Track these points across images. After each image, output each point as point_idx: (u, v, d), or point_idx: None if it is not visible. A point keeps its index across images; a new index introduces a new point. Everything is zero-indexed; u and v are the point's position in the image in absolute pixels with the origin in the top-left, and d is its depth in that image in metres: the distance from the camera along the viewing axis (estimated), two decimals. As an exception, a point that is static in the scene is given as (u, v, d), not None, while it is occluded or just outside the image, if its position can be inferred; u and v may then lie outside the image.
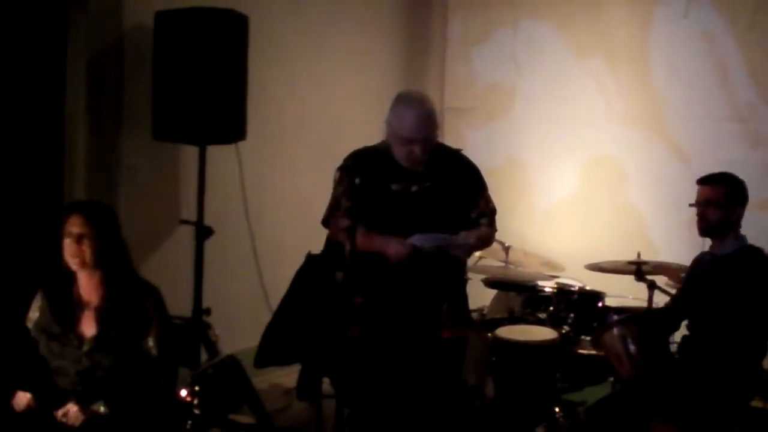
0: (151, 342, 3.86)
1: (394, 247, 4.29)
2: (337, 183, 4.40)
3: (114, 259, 3.89)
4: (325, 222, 4.48)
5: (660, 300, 5.31)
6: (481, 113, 7.60)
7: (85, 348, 3.83)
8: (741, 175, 4.74)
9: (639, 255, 5.50)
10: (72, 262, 3.84)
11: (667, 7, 6.88)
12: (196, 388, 3.75)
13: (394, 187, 4.35)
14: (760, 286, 4.54)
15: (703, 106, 6.76)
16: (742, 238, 4.72)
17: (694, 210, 4.77)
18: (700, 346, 4.61)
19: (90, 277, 3.88)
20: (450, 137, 6.88)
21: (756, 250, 4.69)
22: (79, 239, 3.81)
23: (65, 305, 3.90)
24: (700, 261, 4.89)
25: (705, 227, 4.70)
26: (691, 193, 4.83)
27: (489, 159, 6.53)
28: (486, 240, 4.60)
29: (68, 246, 3.84)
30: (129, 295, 3.89)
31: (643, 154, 6.94)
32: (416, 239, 4.28)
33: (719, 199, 4.65)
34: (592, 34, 7.13)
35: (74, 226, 3.83)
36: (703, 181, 4.75)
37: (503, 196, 6.28)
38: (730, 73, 6.64)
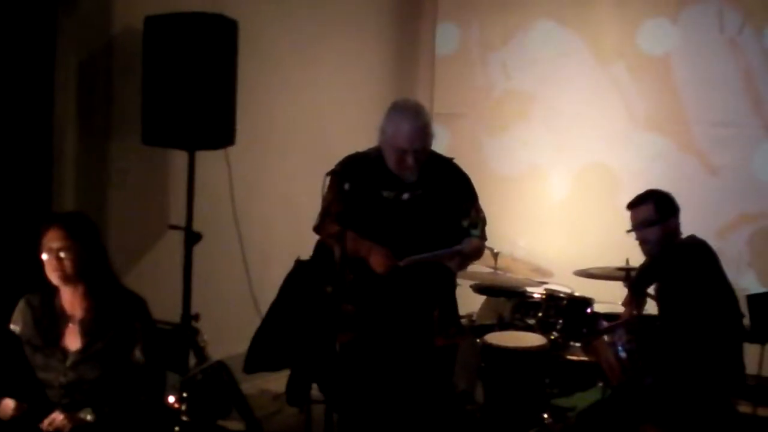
0: (138, 353, 3.82)
1: (376, 259, 4.26)
2: (328, 189, 4.38)
3: (96, 271, 3.81)
4: (317, 228, 4.46)
5: (649, 306, 5.31)
6: (470, 119, 7.60)
7: (70, 362, 3.76)
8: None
9: (627, 261, 5.51)
10: (53, 277, 3.76)
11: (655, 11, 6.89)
12: (185, 394, 3.73)
13: (385, 194, 4.33)
14: (693, 270, 4.58)
15: (694, 113, 6.76)
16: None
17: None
18: (684, 351, 4.62)
19: (73, 290, 3.80)
20: (439, 143, 6.88)
21: (686, 240, 4.72)
22: (59, 253, 3.74)
23: (48, 318, 3.83)
24: None
25: (648, 249, 4.77)
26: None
27: (478, 165, 6.53)
28: (477, 252, 4.59)
29: (48, 261, 3.75)
30: (114, 307, 3.83)
31: (632, 160, 6.95)
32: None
33: (651, 217, 4.71)
34: (583, 37, 7.14)
35: (53, 240, 3.74)
36: (631, 206, 4.84)
37: (492, 202, 6.30)
38: (728, 82, 6.64)
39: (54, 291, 3.84)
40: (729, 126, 6.61)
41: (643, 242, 4.77)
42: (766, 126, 6.52)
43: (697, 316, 4.49)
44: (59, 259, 3.74)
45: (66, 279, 3.77)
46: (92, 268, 3.80)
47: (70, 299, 3.83)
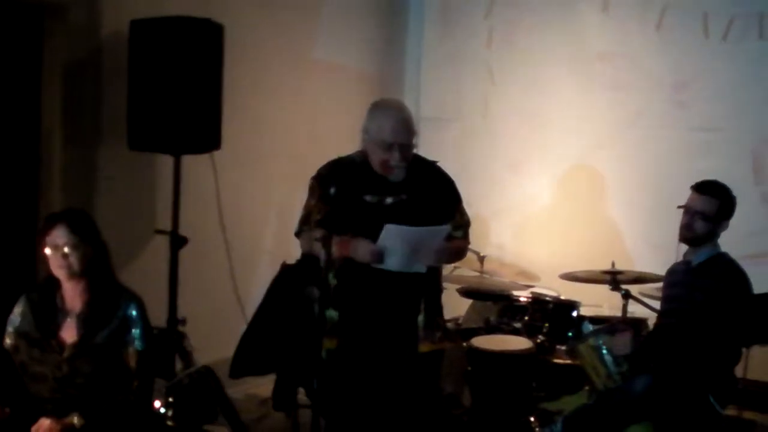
0: (131, 352, 3.86)
1: (361, 249, 4.25)
2: (310, 194, 4.38)
3: (99, 268, 3.89)
4: (298, 234, 4.46)
5: (635, 309, 5.34)
6: (457, 123, 7.61)
7: (66, 354, 3.82)
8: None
9: (613, 264, 5.52)
10: (59, 273, 3.86)
11: (642, 18, 6.91)
12: (171, 398, 3.74)
13: (368, 198, 4.33)
14: (730, 294, 4.57)
15: (677, 118, 6.78)
16: (717, 245, 4.76)
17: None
18: (675, 354, 4.63)
19: (75, 285, 3.89)
20: (425, 147, 6.89)
21: (728, 259, 4.72)
22: (65, 250, 3.80)
23: (48, 311, 3.90)
24: (674, 271, 4.92)
25: (689, 236, 4.72)
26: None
27: (463, 168, 6.53)
28: (460, 252, 4.59)
29: (54, 258, 3.83)
30: (112, 302, 3.90)
31: (618, 163, 6.96)
32: (390, 237, 4.21)
33: (711, 213, 4.66)
34: (567, 42, 7.15)
35: (59, 237, 3.83)
36: (699, 190, 4.74)
37: (478, 206, 6.33)
38: (711, 87, 6.67)
39: (56, 285, 3.92)
40: (714, 131, 6.62)
41: (688, 227, 4.72)
42: (750, 131, 6.53)
43: (721, 325, 4.49)
44: (65, 256, 3.81)
45: (72, 275, 3.85)
46: (96, 265, 3.87)
47: (71, 294, 3.91)
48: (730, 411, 4.97)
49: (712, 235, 4.71)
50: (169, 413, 3.71)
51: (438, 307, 4.55)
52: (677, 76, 6.79)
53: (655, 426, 4.43)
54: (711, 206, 4.66)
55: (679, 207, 4.75)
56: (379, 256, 4.19)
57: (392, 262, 4.20)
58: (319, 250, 4.12)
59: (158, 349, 4.14)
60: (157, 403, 3.75)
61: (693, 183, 4.82)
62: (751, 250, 4.82)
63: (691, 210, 4.70)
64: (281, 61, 6.53)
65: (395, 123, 4.26)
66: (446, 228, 4.27)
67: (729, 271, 4.66)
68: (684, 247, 4.86)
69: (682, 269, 4.82)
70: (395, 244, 4.18)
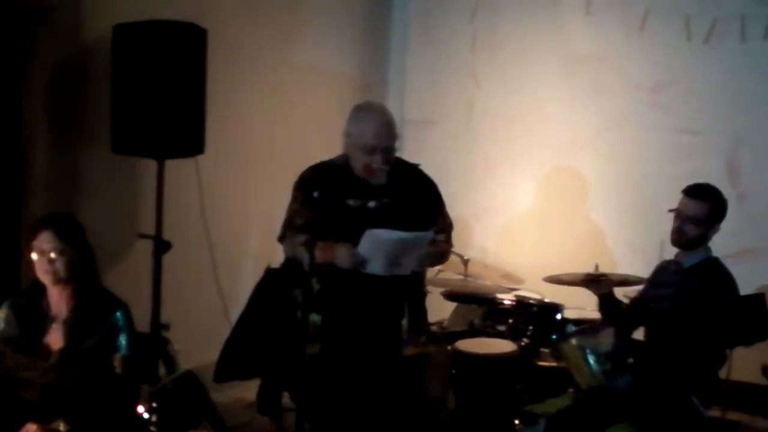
0: (118, 358, 3.85)
1: (339, 253, 4.25)
2: (293, 199, 4.38)
3: (85, 273, 3.89)
4: (281, 239, 4.46)
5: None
6: (441, 126, 7.62)
7: (53, 360, 3.82)
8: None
9: (597, 267, 5.53)
10: (45, 278, 3.86)
11: (624, 21, 6.93)
12: (155, 404, 3.72)
13: (350, 202, 4.33)
14: (719, 298, 4.59)
15: (660, 120, 6.81)
16: (709, 249, 4.77)
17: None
18: (659, 355, 4.64)
19: (61, 290, 3.89)
20: (409, 150, 6.90)
21: (718, 264, 4.74)
22: (51, 255, 3.79)
23: (33, 317, 3.90)
24: (664, 269, 4.93)
25: (681, 241, 4.73)
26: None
27: (448, 172, 6.54)
28: (443, 255, 4.60)
29: (40, 263, 3.83)
30: (98, 308, 3.90)
31: (602, 166, 6.97)
32: (372, 243, 4.21)
33: (702, 217, 4.67)
34: (551, 45, 7.17)
35: (46, 242, 3.83)
36: (690, 194, 4.74)
37: (463, 208, 6.34)
38: (692, 89, 6.69)
39: (41, 290, 3.92)
40: (697, 133, 6.65)
41: (679, 232, 4.72)
42: (732, 134, 6.56)
43: (709, 328, 4.51)
44: (51, 261, 3.82)
45: (58, 280, 3.85)
46: (82, 270, 3.88)
47: (57, 299, 3.92)
48: (714, 412, 4.98)
49: (703, 239, 4.72)
50: (153, 419, 3.69)
51: (422, 311, 4.56)
52: (660, 78, 6.81)
53: (637, 426, 4.44)
54: (702, 210, 4.67)
55: (670, 211, 4.76)
56: (361, 262, 4.19)
57: (374, 267, 4.20)
58: (302, 255, 4.12)
59: (143, 355, 4.14)
60: (140, 409, 3.73)
61: (676, 185, 4.82)
62: (728, 251, 4.84)
63: (682, 214, 4.71)
64: (265, 65, 6.52)
65: (377, 127, 4.27)
66: (429, 234, 4.27)
67: (719, 276, 4.67)
68: (666, 250, 4.87)
69: (672, 270, 4.83)
70: (377, 250, 4.18)
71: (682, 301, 4.59)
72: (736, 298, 4.71)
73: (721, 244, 4.78)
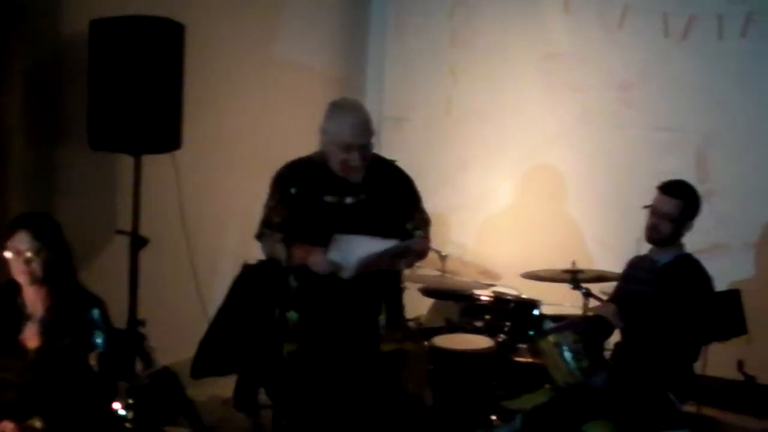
0: (94, 355, 3.83)
1: (314, 259, 4.26)
2: (270, 196, 4.38)
3: (62, 273, 3.87)
4: (259, 236, 4.46)
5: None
6: (419, 123, 7.62)
7: (29, 360, 3.80)
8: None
9: (574, 263, 5.56)
10: (21, 279, 3.84)
11: (603, 18, 6.95)
12: (131, 400, 3.71)
13: (327, 199, 4.33)
14: (695, 294, 4.62)
15: (638, 117, 6.83)
16: (682, 245, 4.80)
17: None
18: (635, 351, 4.66)
19: (37, 290, 3.87)
20: (388, 146, 6.90)
21: (693, 260, 4.77)
22: (27, 255, 3.78)
23: (9, 316, 3.88)
24: (636, 265, 4.95)
25: (655, 237, 4.76)
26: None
27: (426, 168, 6.55)
28: (422, 254, 4.61)
29: (15, 262, 3.81)
30: (74, 307, 3.87)
31: (580, 163, 7.00)
32: (346, 250, 4.22)
33: (676, 214, 4.70)
34: (530, 42, 7.18)
35: (22, 242, 3.81)
36: (664, 191, 4.77)
37: (441, 204, 6.34)
38: (675, 84, 6.72)
39: (16, 289, 3.90)
40: (674, 130, 6.68)
41: (654, 229, 4.75)
42: (707, 131, 6.59)
43: (684, 324, 4.53)
44: (27, 261, 3.81)
45: (34, 281, 3.84)
46: (58, 270, 3.87)
47: (33, 298, 3.90)
48: (690, 407, 5.01)
49: (677, 236, 4.76)
50: (129, 415, 3.68)
51: (399, 307, 4.57)
52: (637, 75, 6.83)
53: (614, 422, 4.46)
54: (676, 208, 4.70)
55: (645, 207, 4.79)
56: (334, 269, 4.20)
57: (348, 273, 4.20)
58: (280, 254, 4.13)
59: (120, 351, 4.12)
60: (117, 405, 3.72)
61: (653, 182, 4.85)
62: (698, 246, 4.89)
63: (657, 211, 4.74)
64: (242, 60, 6.51)
65: (354, 124, 4.27)
66: (406, 243, 4.29)
67: (694, 273, 4.70)
68: (643, 246, 4.90)
69: (646, 267, 4.86)
70: (350, 257, 4.19)
71: (657, 299, 4.62)
72: (711, 295, 4.74)
73: (690, 239, 4.82)
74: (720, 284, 4.75)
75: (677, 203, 4.70)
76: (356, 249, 4.17)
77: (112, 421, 3.74)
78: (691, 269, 4.71)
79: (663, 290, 4.64)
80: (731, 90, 6.51)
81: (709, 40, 6.56)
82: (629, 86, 6.85)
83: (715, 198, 6.25)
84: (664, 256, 4.79)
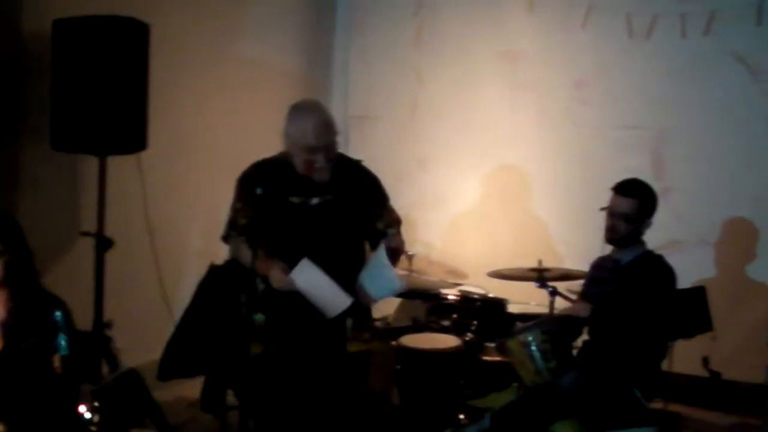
0: (57, 358, 3.80)
1: (275, 278, 4.26)
2: (236, 197, 4.37)
3: (23, 275, 3.83)
4: (225, 238, 4.44)
5: (562, 306, 5.39)
6: (385, 122, 7.62)
7: None
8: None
9: (540, 262, 5.57)
10: None
11: (567, 18, 6.97)
12: (96, 403, 3.69)
13: (293, 199, 4.33)
14: (660, 291, 4.64)
15: (604, 116, 6.86)
16: (643, 243, 4.83)
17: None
18: (602, 350, 4.69)
19: None
20: (353, 146, 6.90)
21: (656, 257, 4.79)
22: None
23: None
24: (600, 266, 4.98)
25: (614, 238, 4.78)
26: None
27: (393, 168, 6.55)
28: (399, 251, 4.62)
29: None
30: (36, 309, 3.83)
31: (546, 162, 7.02)
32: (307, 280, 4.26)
33: (633, 213, 4.72)
34: (494, 41, 7.20)
35: None
36: (619, 191, 4.79)
37: (407, 204, 6.35)
38: (632, 83, 6.76)
39: None
40: (638, 128, 6.71)
41: (612, 230, 4.77)
42: (670, 128, 6.64)
43: (650, 321, 4.55)
44: None
45: None
46: (20, 272, 3.81)
47: None
48: (656, 404, 5.04)
49: (636, 235, 4.78)
50: (95, 418, 3.65)
51: (367, 308, 4.56)
52: (601, 75, 6.86)
53: (581, 421, 4.48)
54: (632, 207, 4.73)
55: (602, 209, 4.81)
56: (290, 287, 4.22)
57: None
58: (244, 258, 4.13)
59: (84, 354, 4.09)
60: (82, 408, 3.69)
61: (615, 179, 4.88)
62: (655, 243, 4.93)
63: (614, 212, 4.76)
64: (208, 60, 6.48)
65: (317, 126, 4.28)
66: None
67: (657, 269, 4.73)
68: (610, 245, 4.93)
69: (609, 267, 4.88)
70: (310, 288, 4.23)
71: (622, 298, 4.64)
72: (676, 292, 4.77)
73: (647, 236, 4.86)
74: (678, 281, 4.78)
75: (633, 203, 4.73)
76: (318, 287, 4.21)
77: (77, 424, 3.72)
78: (655, 266, 4.74)
79: (627, 288, 4.67)
80: (691, 88, 6.55)
81: (673, 39, 6.59)
82: (590, 85, 6.87)
83: (671, 195, 6.31)
84: (627, 255, 4.82)
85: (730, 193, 6.45)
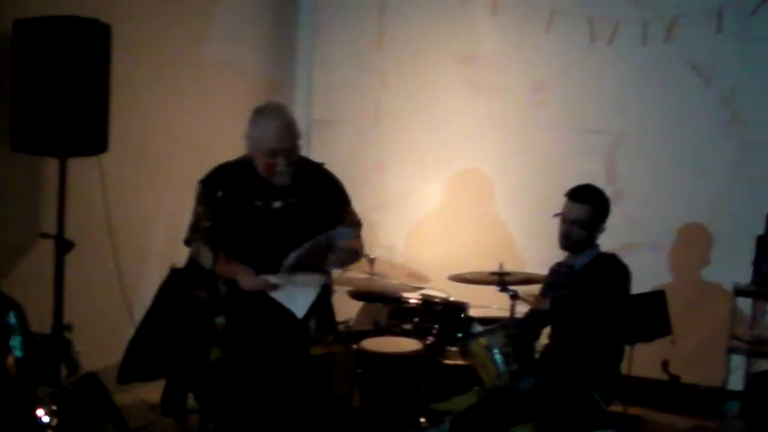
0: (11, 360, 3.77)
1: (245, 278, 4.26)
2: (198, 200, 4.36)
3: None
4: (188, 242, 4.43)
5: (523, 310, 5.41)
6: (348, 125, 7.61)
7: None
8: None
9: (501, 266, 5.60)
10: None
11: (530, 22, 7.00)
12: (55, 407, 3.67)
13: (255, 203, 4.32)
14: (615, 290, 4.68)
15: (565, 120, 6.90)
16: (597, 246, 4.87)
17: (557, 222, 4.88)
18: (562, 354, 4.71)
19: None
20: (317, 149, 6.89)
21: (610, 257, 4.83)
22: None
23: None
24: (556, 272, 5.02)
25: (569, 244, 4.82)
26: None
27: (355, 171, 6.54)
28: (358, 252, 4.61)
29: None
30: None
31: (508, 166, 7.04)
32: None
33: (586, 219, 4.76)
34: (457, 44, 7.21)
35: None
36: (572, 197, 4.83)
37: (369, 207, 6.34)
38: (593, 88, 6.80)
39: None
40: (599, 132, 6.75)
41: (566, 236, 4.81)
42: (624, 134, 6.70)
43: (607, 324, 4.58)
44: None
45: None
46: None
47: None
48: (616, 407, 5.07)
49: (590, 240, 4.83)
50: (53, 422, 3.63)
51: (330, 310, 4.56)
52: (564, 79, 6.89)
53: (541, 425, 4.50)
54: (585, 213, 4.78)
55: (555, 215, 4.86)
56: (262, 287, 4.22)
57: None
58: (205, 261, 4.12)
59: (40, 357, 4.06)
60: (40, 412, 3.66)
61: (575, 183, 4.92)
62: (609, 246, 4.98)
63: (567, 218, 4.81)
64: (171, 61, 6.44)
65: (279, 129, 4.27)
66: (333, 233, 4.31)
67: (612, 269, 4.77)
68: (568, 250, 4.96)
69: (565, 272, 4.92)
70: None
71: (579, 302, 4.68)
72: (635, 295, 4.82)
73: (600, 239, 4.90)
74: (633, 283, 4.83)
75: (586, 208, 4.78)
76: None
77: (34, 428, 3.69)
78: (609, 265, 4.79)
79: (583, 293, 4.70)
80: (649, 94, 6.62)
81: (634, 45, 6.64)
82: (551, 89, 6.90)
83: (625, 199, 6.37)
84: (581, 259, 4.86)
85: (684, 198, 6.52)
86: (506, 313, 5.41)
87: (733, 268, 6.11)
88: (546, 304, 4.83)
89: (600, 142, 6.74)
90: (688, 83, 6.50)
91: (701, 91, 6.48)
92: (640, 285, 4.87)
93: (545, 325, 4.97)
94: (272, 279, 4.23)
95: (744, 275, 5.93)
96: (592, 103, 6.79)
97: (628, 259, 4.88)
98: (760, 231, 5.89)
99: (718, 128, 6.44)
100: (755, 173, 6.34)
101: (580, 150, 6.77)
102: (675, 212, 6.55)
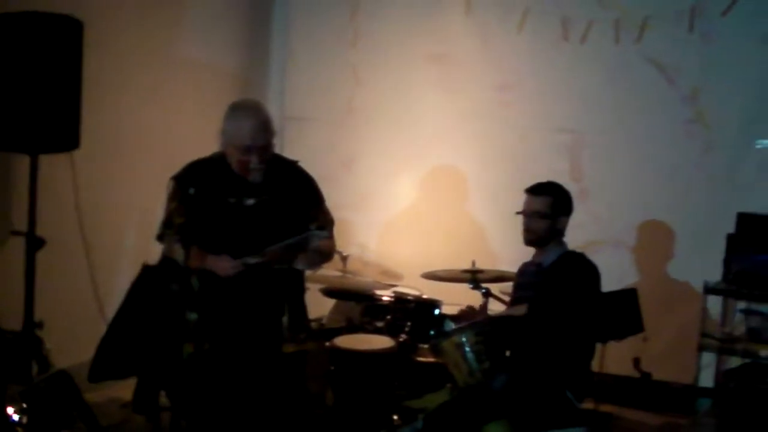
0: None
1: (222, 265, 4.25)
2: (171, 197, 4.34)
3: None
4: (160, 237, 4.42)
5: (495, 307, 5.44)
6: (321, 122, 7.61)
7: None
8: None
9: (474, 263, 5.61)
10: None
11: (503, 21, 7.02)
12: (25, 405, 3.64)
13: (228, 200, 4.32)
14: (583, 288, 4.71)
15: (537, 119, 6.92)
16: (564, 244, 4.90)
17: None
18: (533, 351, 4.73)
19: None
20: (290, 147, 6.88)
21: (578, 255, 4.87)
22: None
23: None
24: (524, 272, 5.05)
25: (530, 238, 4.88)
26: (522, 201, 4.98)
27: (328, 169, 6.56)
28: (328, 252, 4.61)
29: None
30: None
31: (481, 164, 7.06)
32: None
33: (546, 210, 4.82)
34: (431, 43, 7.22)
35: None
36: (531, 191, 4.91)
37: (342, 205, 6.35)
38: (564, 87, 6.83)
39: None
40: (572, 132, 6.79)
41: (528, 230, 4.86)
42: (591, 133, 6.73)
43: (576, 321, 4.60)
44: None
45: None
46: None
47: None
48: (588, 404, 5.10)
49: (554, 233, 4.87)
50: (23, 420, 3.60)
51: (302, 308, 4.56)
52: (537, 78, 6.92)
53: (512, 423, 4.51)
54: (544, 204, 4.86)
55: (518, 213, 4.91)
56: (240, 268, 4.21)
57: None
58: (177, 256, 4.10)
59: (10, 354, 4.03)
60: (10, 410, 3.64)
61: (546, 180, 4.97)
62: (574, 244, 5.02)
63: (527, 212, 4.88)
64: (144, 58, 6.42)
65: (253, 126, 4.27)
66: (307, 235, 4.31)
67: (580, 267, 4.80)
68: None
69: (532, 271, 4.95)
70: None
71: (547, 300, 4.70)
72: (607, 293, 4.85)
73: (566, 236, 4.94)
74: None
75: (545, 200, 4.85)
76: None
77: (4, 426, 3.66)
78: (576, 263, 4.82)
79: (550, 291, 4.72)
80: (617, 93, 6.67)
81: (607, 44, 6.67)
82: (523, 88, 6.93)
83: (589, 197, 6.46)
84: (548, 257, 4.89)
85: (649, 196, 6.58)
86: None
87: (701, 266, 6.16)
88: (522, 310, 4.83)
89: (567, 141, 6.78)
90: (654, 83, 6.56)
91: (665, 91, 6.53)
92: (605, 281, 4.90)
93: (523, 332, 4.96)
94: (250, 260, 4.22)
95: (712, 273, 5.97)
96: (560, 102, 6.83)
97: (593, 257, 4.91)
98: (728, 230, 5.92)
99: (681, 127, 6.49)
100: (718, 173, 6.40)
101: (548, 148, 6.81)
102: (639, 210, 6.61)
